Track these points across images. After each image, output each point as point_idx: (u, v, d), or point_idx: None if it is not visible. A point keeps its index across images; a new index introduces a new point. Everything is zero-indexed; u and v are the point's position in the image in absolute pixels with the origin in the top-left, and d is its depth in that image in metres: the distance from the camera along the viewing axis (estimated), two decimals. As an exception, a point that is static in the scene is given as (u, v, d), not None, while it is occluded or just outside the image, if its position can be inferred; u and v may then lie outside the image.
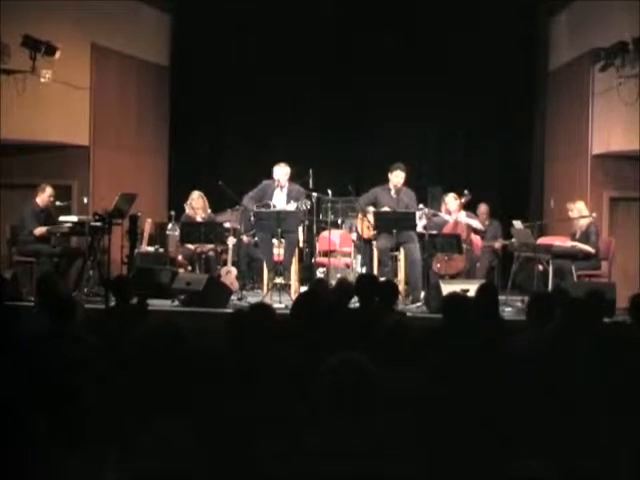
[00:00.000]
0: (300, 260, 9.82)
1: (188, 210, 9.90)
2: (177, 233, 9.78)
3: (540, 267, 9.33)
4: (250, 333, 3.94)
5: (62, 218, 9.36)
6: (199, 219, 9.77)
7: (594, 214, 9.37)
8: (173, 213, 10.54)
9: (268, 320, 4.20)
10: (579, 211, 9.28)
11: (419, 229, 9.30)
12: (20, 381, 3.51)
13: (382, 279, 7.42)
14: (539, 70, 12.02)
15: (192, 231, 9.30)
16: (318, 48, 11.90)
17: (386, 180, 9.42)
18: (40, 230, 9.26)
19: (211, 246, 9.54)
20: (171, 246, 10.20)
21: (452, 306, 4.97)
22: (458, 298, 5.14)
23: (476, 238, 9.98)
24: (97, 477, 2.89)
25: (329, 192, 9.94)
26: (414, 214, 9.04)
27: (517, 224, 9.48)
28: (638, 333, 4.90)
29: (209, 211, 10.00)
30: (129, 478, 2.60)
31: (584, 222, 9.21)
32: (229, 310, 8.35)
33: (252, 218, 9.11)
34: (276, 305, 7.73)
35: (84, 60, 10.59)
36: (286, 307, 7.73)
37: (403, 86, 11.76)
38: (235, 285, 9.27)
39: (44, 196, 9.43)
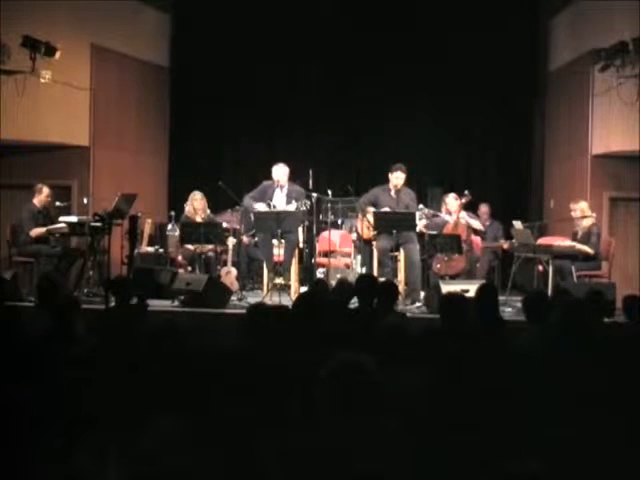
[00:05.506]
0: (300, 260, 9.81)
1: (188, 209, 9.87)
2: (177, 233, 9.77)
3: (540, 267, 9.32)
4: (268, 332, 3.96)
5: (62, 218, 9.33)
6: (199, 219, 9.76)
7: (594, 214, 9.37)
8: (173, 213, 10.53)
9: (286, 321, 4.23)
10: (582, 211, 9.25)
11: (420, 228, 9.30)
12: (20, 382, 3.51)
13: (382, 279, 7.42)
14: (539, 70, 12.02)
15: (192, 231, 9.28)
16: (318, 48, 11.90)
17: (386, 181, 9.41)
18: (36, 231, 9.20)
19: (211, 246, 9.52)
20: (171, 246, 10.19)
21: (449, 306, 4.96)
22: (455, 298, 5.13)
23: (476, 238, 9.98)
24: (97, 477, 2.89)
25: (329, 192, 9.95)
26: (414, 214, 9.03)
27: (517, 224, 9.47)
28: (635, 332, 4.90)
29: (208, 211, 9.99)
30: (129, 478, 2.60)
31: (587, 223, 9.19)
32: (229, 310, 8.37)
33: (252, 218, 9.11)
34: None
35: (84, 60, 10.59)
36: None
37: (403, 86, 11.77)
38: (235, 285, 9.27)
39: (42, 196, 9.38)
